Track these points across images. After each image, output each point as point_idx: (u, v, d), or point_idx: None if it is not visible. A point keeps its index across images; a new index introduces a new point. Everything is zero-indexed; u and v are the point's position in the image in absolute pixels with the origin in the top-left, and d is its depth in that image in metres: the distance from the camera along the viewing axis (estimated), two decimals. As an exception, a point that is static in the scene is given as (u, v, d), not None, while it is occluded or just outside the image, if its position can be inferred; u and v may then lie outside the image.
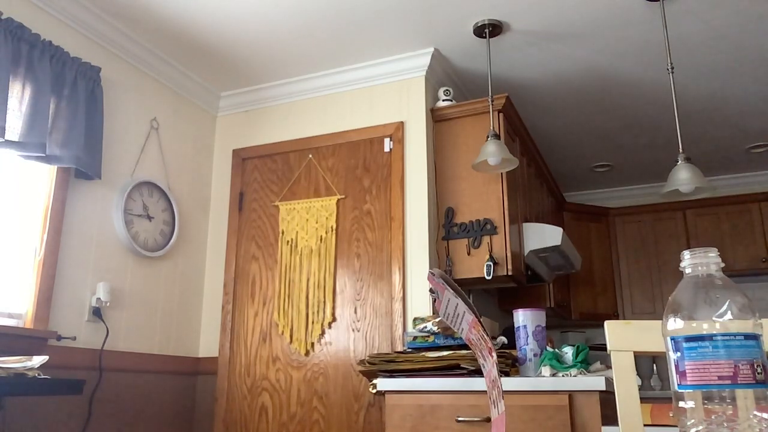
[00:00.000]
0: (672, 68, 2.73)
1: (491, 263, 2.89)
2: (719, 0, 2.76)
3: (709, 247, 0.77)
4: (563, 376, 2.05)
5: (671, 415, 1.65)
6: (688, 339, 0.72)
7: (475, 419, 2.08)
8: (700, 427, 0.69)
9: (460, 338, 2.26)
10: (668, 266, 4.78)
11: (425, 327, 2.36)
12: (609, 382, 1.97)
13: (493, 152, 2.72)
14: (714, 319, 0.71)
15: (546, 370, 2.09)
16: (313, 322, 3.08)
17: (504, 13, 2.85)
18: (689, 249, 0.83)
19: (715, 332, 0.70)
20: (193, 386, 3.25)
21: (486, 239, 2.97)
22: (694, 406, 0.70)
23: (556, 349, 2.18)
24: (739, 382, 0.68)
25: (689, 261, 0.77)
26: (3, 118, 2.27)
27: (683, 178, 2.57)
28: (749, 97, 3.69)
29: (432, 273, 0.96)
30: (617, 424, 1.16)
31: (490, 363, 0.91)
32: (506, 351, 2.25)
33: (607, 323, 1.12)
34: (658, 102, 3.74)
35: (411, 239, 3.00)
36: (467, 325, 0.93)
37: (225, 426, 3.13)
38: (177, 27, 2.95)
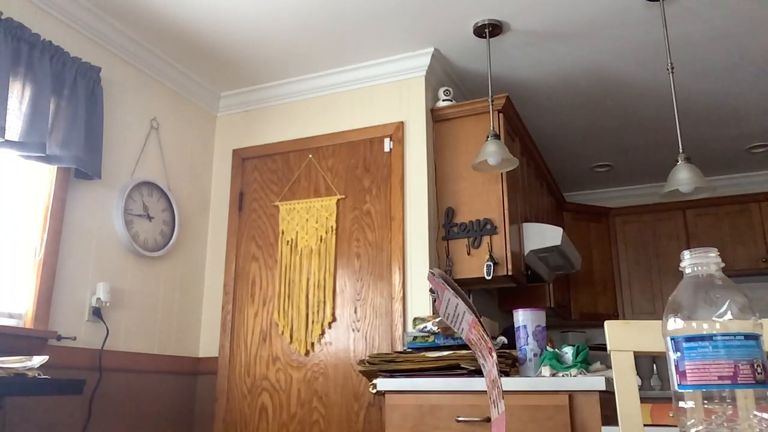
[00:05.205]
0: (672, 68, 2.73)
1: (491, 263, 2.89)
2: (719, 0, 2.76)
3: (709, 247, 0.77)
4: (563, 376, 2.05)
5: (671, 415, 1.65)
6: (688, 339, 0.72)
7: (475, 419, 2.08)
8: (700, 427, 0.69)
9: (460, 338, 2.25)
10: (668, 266, 4.77)
11: (425, 327, 2.36)
12: (609, 382, 1.97)
13: (493, 152, 2.72)
14: (714, 319, 0.71)
15: (546, 370, 2.09)
16: (313, 322, 3.08)
17: (504, 13, 2.85)
18: (689, 249, 0.82)
19: (715, 332, 0.70)
20: (193, 386, 3.25)
21: (486, 239, 2.97)
22: (694, 406, 0.70)
23: (556, 349, 2.18)
24: (739, 382, 0.68)
25: (689, 261, 0.77)
26: (3, 118, 2.27)
27: (683, 178, 2.57)
28: (749, 97, 3.68)
29: (432, 273, 0.96)
30: (617, 424, 1.16)
31: (490, 363, 0.91)
32: (506, 351, 2.25)
33: (607, 323, 1.12)
34: (658, 102, 3.74)
35: (411, 239, 3.00)
36: (467, 325, 0.93)
37: (225, 426, 3.13)
38: (177, 27, 2.95)
